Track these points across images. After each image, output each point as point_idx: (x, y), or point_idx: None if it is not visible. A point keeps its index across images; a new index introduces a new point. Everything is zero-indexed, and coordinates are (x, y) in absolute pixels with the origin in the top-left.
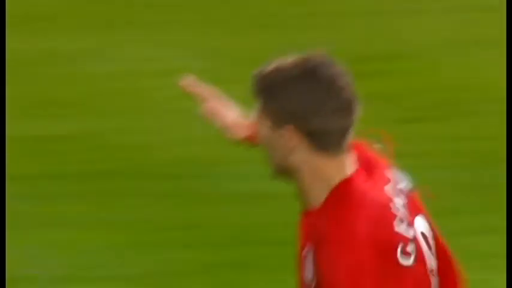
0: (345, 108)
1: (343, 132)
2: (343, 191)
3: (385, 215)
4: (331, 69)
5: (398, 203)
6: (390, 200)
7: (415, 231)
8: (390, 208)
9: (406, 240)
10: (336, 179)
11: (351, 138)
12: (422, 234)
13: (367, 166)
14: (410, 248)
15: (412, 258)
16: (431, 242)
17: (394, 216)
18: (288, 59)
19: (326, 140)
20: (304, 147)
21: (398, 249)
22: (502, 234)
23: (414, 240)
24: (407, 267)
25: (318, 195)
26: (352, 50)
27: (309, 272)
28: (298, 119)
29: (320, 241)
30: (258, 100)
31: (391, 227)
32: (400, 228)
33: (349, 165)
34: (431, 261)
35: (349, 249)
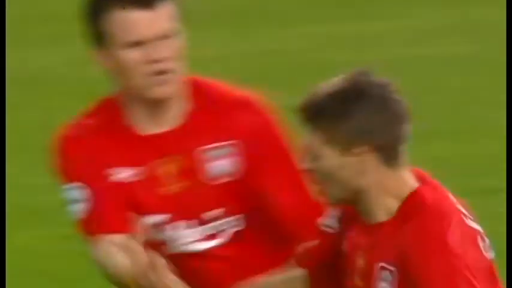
0: (402, 119)
1: (403, 143)
2: (417, 202)
3: (460, 216)
4: (381, 81)
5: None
6: (457, 203)
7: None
8: (460, 210)
9: (479, 233)
10: (405, 191)
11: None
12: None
13: (420, 176)
14: (484, 239)
15: (488, 248)
16: None
17: (464, 214)
18: (335, 81)
19: (393, 153)
20: (376, 164)
21: (479, 241)
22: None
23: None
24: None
25: (388, 209)
26: None
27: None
28: (366, 137)
29: (409, 259)
30: (314, 129)
31: (468, 223)
32: (471, 223)
33: (410, 176)
34: None
35: (452, 260)
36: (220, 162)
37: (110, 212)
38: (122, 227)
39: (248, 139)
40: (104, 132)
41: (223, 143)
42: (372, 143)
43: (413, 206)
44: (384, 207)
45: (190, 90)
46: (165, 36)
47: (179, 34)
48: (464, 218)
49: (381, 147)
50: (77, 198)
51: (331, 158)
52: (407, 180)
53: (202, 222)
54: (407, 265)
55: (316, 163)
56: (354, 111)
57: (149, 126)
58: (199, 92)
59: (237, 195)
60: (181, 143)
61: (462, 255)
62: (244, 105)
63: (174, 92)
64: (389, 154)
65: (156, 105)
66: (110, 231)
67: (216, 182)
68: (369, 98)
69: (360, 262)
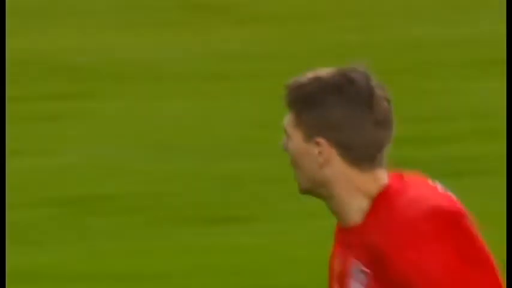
0: (381, 122)
1: (378, 147)
2: (386, 199)
3: (436, 202)
4: (370, 82)
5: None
6: (435, 189)
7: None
8: (437, 188)
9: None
10: (375, 191)
11: (384, 157)
12: None
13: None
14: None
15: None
16: None
17: (442, 198)
18: (325, 70)
19: (362, 153)
20: (338, 160)
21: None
22: None
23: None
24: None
25: (358, 209)
26: None
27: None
28: (331, 131)
29: (382, 258)
30: (291, 110)
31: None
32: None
33: (384, 178)
34: None
35: (427, 247)
36: None
37: None
38: None
39: None
40: None
41: None
42: (333, 138)
43: (381, 206)
44: (355, 207)
45: None
46: None
47: None
48: (442, 203)
49: (344, 145)
50: None
51: (297, 143)
52: (379, 180)
53: None
54: (382, 262)
55: (288, 144)
56: (327, 103)
57: None
58: None
59: None
60: None
61: (441, 242)
62: None
63: None
64: (357, 154)
65: None
66: None
67: None
68: (346, 94)
69: (337, 267)
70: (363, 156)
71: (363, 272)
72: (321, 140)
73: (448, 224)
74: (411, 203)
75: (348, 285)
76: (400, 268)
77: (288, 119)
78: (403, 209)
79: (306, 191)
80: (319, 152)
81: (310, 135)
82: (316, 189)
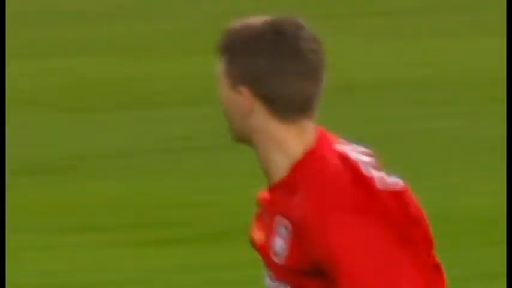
0: (309, 73)
1: (304, 99)
2: (309, 164)
3: (358, 171)
4: (301, 32)
5: (362, 157)
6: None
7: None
8: (360, 163)
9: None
10: (298, 150)
11: (316, 107)
12: None
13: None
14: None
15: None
16: None
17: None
18: (258, 18)
19: (285, 105)
20: (262, 111)
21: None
22: None
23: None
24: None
25: (280, 167)
26: None
27: (277, 245)
28: (254, 80)
29: (303, 222)
30: (221, 58)
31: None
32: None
33: (310, 133)
34: None
35: (350, 219)
36: None
37: None
38: None
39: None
40: None
41: None
42: (255, 88)
43: (304, 170)
44: (277, 163)
45: None
46: None
47: None
48: (365, 170)
49: (270, 95)
50: None
51: (224, 90)
52: (304, 137)
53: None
54: (303, 228)
55: (218, 91)
56: (253, 51)
57: None
58: None
59: None
60: None
61: (364, 217)
62: None
63: None
64: (281, 105)
65: None
66: None
67: None
68: (281, 42)
69: (265, 220)
70: (285, 109)
71: (286, 227)
72: (244, 90)
73: (369, 199)
74: (333, 174)
75: (272, 242)
76: (321, 239)
77: (218, 67)
78: (325, 179)
79: (236, 140)
80: (242, 102)
81: (234, 83)
82: (244, 139)
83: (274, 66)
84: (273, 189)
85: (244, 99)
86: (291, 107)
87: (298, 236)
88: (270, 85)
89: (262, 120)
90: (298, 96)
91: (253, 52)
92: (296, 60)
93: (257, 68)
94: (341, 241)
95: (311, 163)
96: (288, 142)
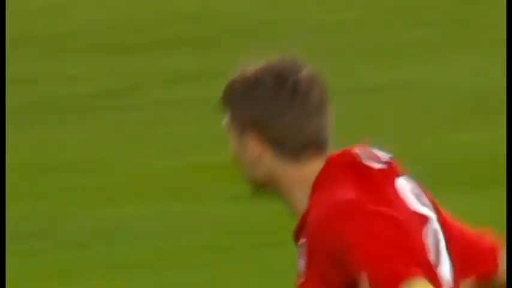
0: (310, 111)
1: (309, 137)
2: (317, 188)
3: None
4: (299, 73)
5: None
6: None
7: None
8: (359, 156)
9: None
10: (313, 177)
11: (325, 141)
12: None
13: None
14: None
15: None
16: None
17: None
18: (253, 65)
19: (291, 145)
20: (271, 155)
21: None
22: None
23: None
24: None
25: (302, 198)
26: None
27: (300, 265)
28: (258, 125)
29: (313, 222)
30: (224, 110)
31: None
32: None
33: (319, 166)
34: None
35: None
36: None
37: None
38: None
39: None
40: None
41: None
42: (260, 134)
43: (316, 189)
44: (299, 197)
45: None
46: None
47: None
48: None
49: (272, 140)
50: None
51: (233, 141)
52: (317, 169)
53: None
54: (312, 236)
55: (230, 145)
56: (254, 97)
57: None
58: None
59: None
60: None
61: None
62: None
63: None
64: (289, 146)
65: None
66: None
67: None
68: (279, 86)
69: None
70: (294, 149)
71: (302, 245)
72: (250, 136)
73: (369, 221)
74: (334, 182)
75: (298, 266)
76: (331, 228)
77: (224, 120)
78: (327, 187)
79: (255, 189)
80: (251, 149)
81: (241, 133)
82: (262, 187)
83: (274, 108)
84: (299, 219)
85: (252, 146)
86: (297, 145)
87: (310, 241)
88: (273, 127)
89: (273, 163)
90: (302, 135)
91: (254, 99)
92: (296, 101)
93: (259, 113)
94: (351, 228)
95: (318, 190)
96: (303, 177)
